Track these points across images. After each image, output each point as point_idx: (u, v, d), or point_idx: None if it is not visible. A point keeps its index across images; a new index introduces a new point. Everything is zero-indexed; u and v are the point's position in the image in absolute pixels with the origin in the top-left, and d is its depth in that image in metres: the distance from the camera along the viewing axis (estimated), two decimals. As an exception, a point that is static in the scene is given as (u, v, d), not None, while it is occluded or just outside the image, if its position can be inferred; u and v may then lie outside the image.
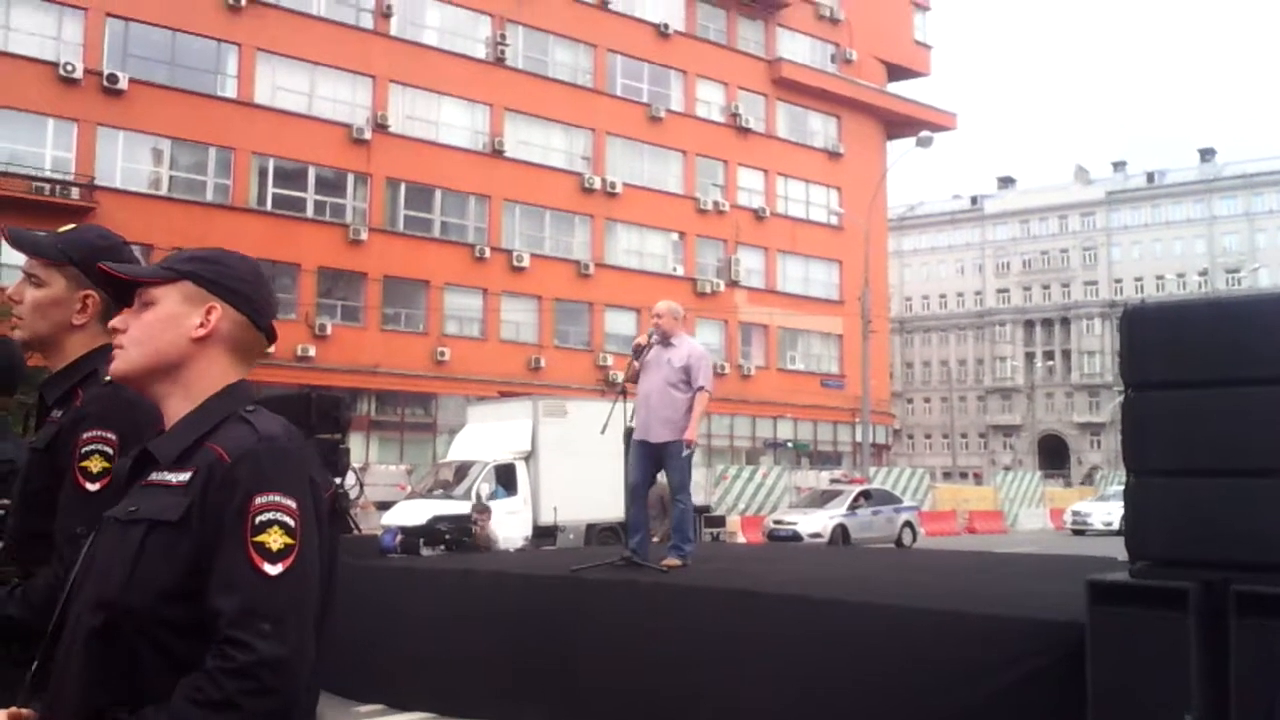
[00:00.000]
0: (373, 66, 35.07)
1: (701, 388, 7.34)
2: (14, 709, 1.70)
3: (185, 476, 1.67)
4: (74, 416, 2.31)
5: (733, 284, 42.96)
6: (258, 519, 1.62)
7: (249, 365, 1.87)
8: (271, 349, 1.99)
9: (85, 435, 2.27)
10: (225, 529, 1.62)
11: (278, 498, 1.64)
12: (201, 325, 1.80)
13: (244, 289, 1.85)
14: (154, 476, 1.72)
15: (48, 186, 29.47)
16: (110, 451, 2.26)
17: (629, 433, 7.41)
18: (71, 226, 2.54)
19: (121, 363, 1.81)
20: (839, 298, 45.54)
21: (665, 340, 7.45)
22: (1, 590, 2.29)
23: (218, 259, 1.87)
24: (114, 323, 1.86)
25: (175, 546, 1.63)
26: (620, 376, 7.84)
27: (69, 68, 29.82)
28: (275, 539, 1.62)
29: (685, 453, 7.29)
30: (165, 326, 1.79)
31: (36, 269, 2.44)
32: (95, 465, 2.25)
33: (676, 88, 42.85)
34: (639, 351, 7.50)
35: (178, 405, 1.79)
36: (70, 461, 2.26)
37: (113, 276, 1.85)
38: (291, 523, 1.64)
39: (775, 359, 44.65)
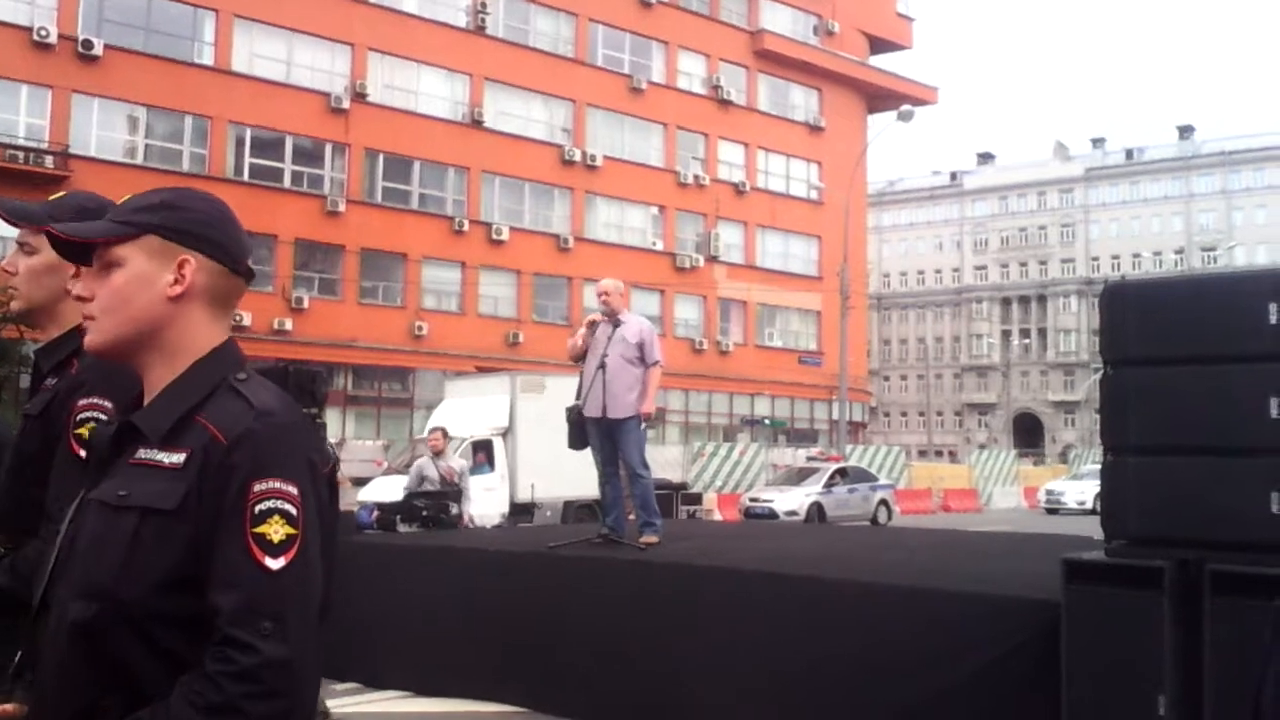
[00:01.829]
0: (352, 34, 34.70)
1: (657, 362, 7.43)
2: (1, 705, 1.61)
3: (179, 458, 1.54)
4: (69, 384, 2.30)
5: (712, 259, 42.91)
6: (257, 508, 1.51)
7: (230, 313, 1.74)
8: (248, 322, 1.86)
9: (80, 403, 2.25)
10: (222, 518, 1.51)
11: (278, 483, 1.53)
12: (176, 282, 1.64)
13: (213, 234, 1.68)
14: (142, 454, 1.58)
15: (21, 154, 29.03)
16: (105, 420, 2.22)
17: (574, 410, 7.40)
18: (61, 194, 2.52)
19: (95, 335, 1.66)
20: (818, 274, 45.50)
21: (613, 317, 7.44)
22: (-9, 561, 2.28)
23: (178, 203, 1.69)
24: (77, 290, 1.71)
25: (171, 536, 1.51)
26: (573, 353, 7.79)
27: (43, 33, 29.33)
28: (276, 529, 1.51)
29: (642, 426, 7.34)
30: (136, 289, 1.63)
31: (28, 238, 2.42)
32: (89, 433, 2.20)
33: (658, 59, 42.63)
34: (593, 329, 7.50)
35: (161, 372, 1.65)
36: (64, 430, 2.24)
37: (73, 240, 1.67)
38: (293, 510, 1.52)
39: (753, 335, 44.69)
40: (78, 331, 2.35)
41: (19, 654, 1.66)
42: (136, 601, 1.50)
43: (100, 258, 1.67)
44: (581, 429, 7.41)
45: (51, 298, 2.42)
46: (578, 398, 7.44)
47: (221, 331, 1.70)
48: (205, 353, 1.66)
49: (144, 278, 1.64)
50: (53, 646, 1.56)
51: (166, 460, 1.56)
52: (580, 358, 7.52)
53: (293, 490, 1.54)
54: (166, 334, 1.65)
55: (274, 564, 1.50)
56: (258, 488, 1.52)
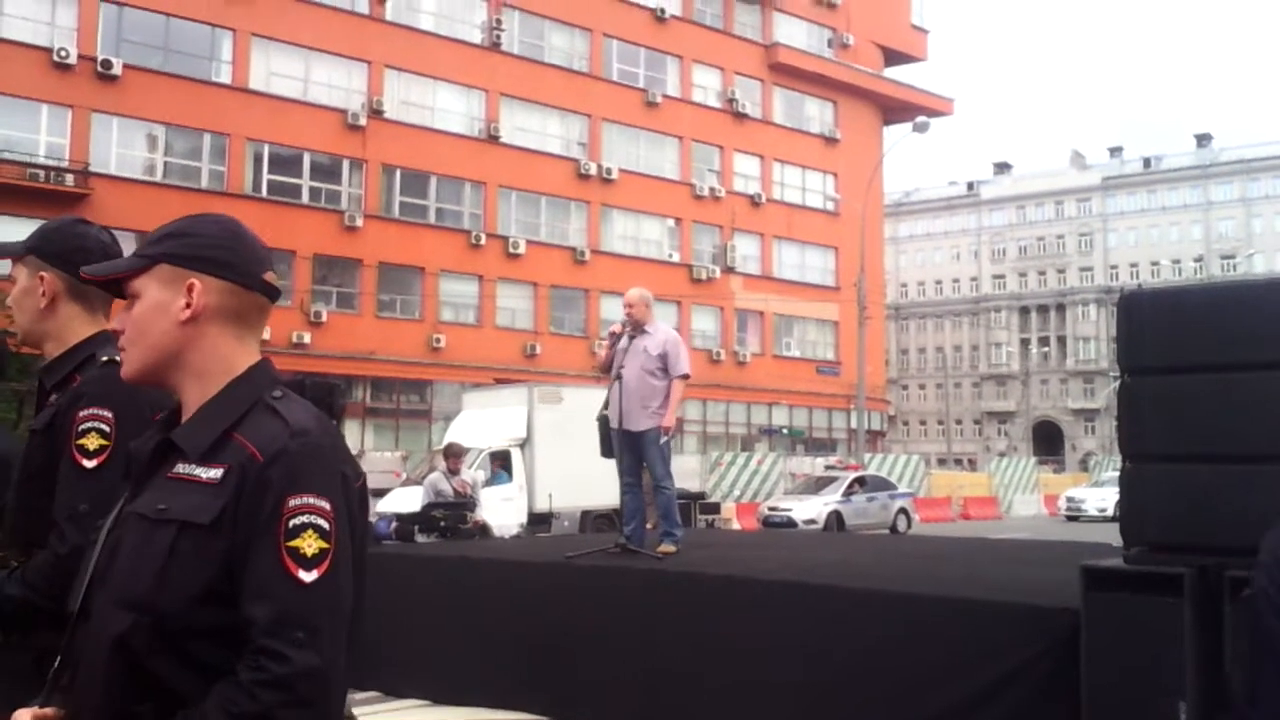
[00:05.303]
0: (368, 52, 34.93)
1: (682, 375, 7.39)
2: (37, 709, 1.64)
3: (217, 474, 1.60)
4: (71, 396, 2.35)
5: (728, 270, 42.92)
6: (291, 522, 1.56)
7: (255, 331, 1.78)
8: (267, 336, 1.91)
9: (81, 413, 2.30)
10: (257, 532, 1.56)
11: (311, 499, 1.58)
12: (186, 306, 1.70)
13: (219, 254, 1.72)
14: (180, 469, 1.63)
15: (42, 173, 29.34)
16: (107, 429, 2.29)
17: (604, 420, 7.43)
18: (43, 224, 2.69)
19: (127, 366, 1.75)
20: (835, 284, 45.46)
21: (639, 328, 7.45)
22: (1, 573, 2.30)
23: (186, 230, 1.75)
24: (112, 325, 1.81)
25: (207, 550, 1.56)
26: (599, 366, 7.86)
27: (63, 53, 29.65)
28: (309, 543, 1.56)
29: (663, 439, 7.31)
30: (153, 318, 1.71)
31: (11, 271, 2.56)
32: (92, 443, 2.28)
33: (673, 73, 42.72)
34: (615, 340, 7.51)
35: (193, 393, 1.71)
36: (67, 439, 2.29)
37: (99, 280, 1.80)
38: (326, 525, 1.58)
39: (770, 345, 44.64)
40: (79, 348, 2.47)
41: (56, 661, 1.69)
42: (174, 614, 1.55)
43: (128, 291, 1.75)
44: (610, 438, 7.45)
45: (33, 319, 2.52)
46: (605, 407, 7.47)
47: (250, 349, 1.75)
48: (238, 372, 1.71)
49: (158, 305, 1.71)
50: (90, 655, 1.60)
51: (204, 475, 1.61)
52: (609, 369, 7.55)
53: (325, 506, 1.59)
54: (189, 356, 1.71)
55: (307, 577, 1.55)
56: (292, 503, 1.57)
